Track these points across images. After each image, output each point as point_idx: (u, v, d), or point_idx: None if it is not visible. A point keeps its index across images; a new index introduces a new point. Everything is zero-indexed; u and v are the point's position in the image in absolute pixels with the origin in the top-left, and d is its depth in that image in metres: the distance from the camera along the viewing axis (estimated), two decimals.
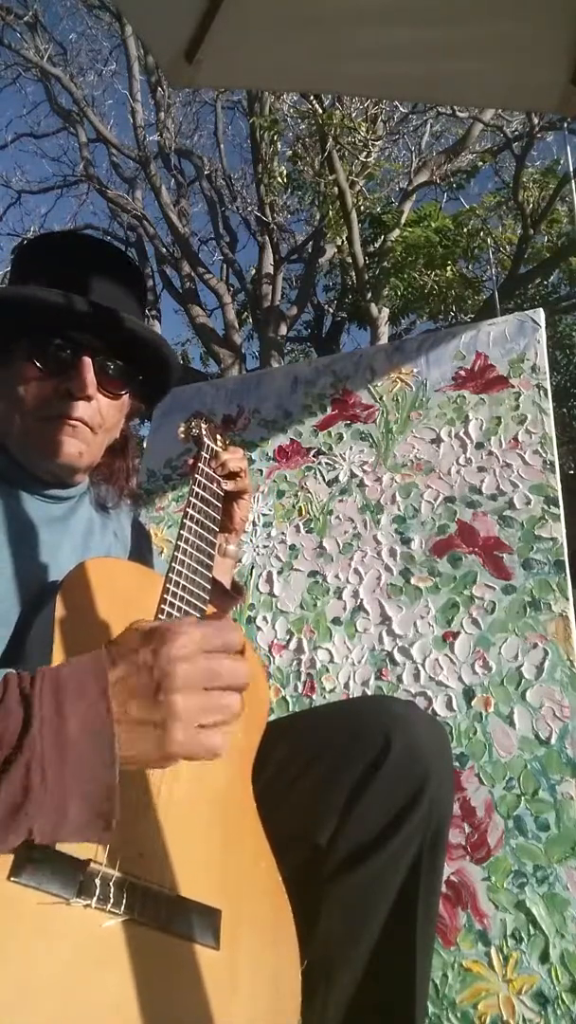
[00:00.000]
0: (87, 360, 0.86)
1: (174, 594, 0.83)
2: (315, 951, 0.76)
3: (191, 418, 1.07)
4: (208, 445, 1.04)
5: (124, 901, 0.58)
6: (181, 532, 0.91)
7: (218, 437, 1.09)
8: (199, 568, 0.90)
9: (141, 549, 1.11)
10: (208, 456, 1.03)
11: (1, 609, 0.80)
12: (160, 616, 0.80)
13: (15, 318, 0.85)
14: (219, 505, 1.01)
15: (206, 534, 0.95)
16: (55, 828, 0.52)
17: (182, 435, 1.05)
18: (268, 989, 0.66)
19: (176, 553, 0.88)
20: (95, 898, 0.57)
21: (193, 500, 0.96)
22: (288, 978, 0.68)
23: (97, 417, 0.90)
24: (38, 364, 0.86)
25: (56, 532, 0.92)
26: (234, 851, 0.73)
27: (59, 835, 0.52)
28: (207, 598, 0.88)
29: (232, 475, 1.03)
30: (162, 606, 0.81)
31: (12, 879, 0.53)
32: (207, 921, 0.64)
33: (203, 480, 1.00)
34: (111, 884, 0.58)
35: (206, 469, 1.01)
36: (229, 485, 1.03)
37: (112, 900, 0.58)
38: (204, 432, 1.06)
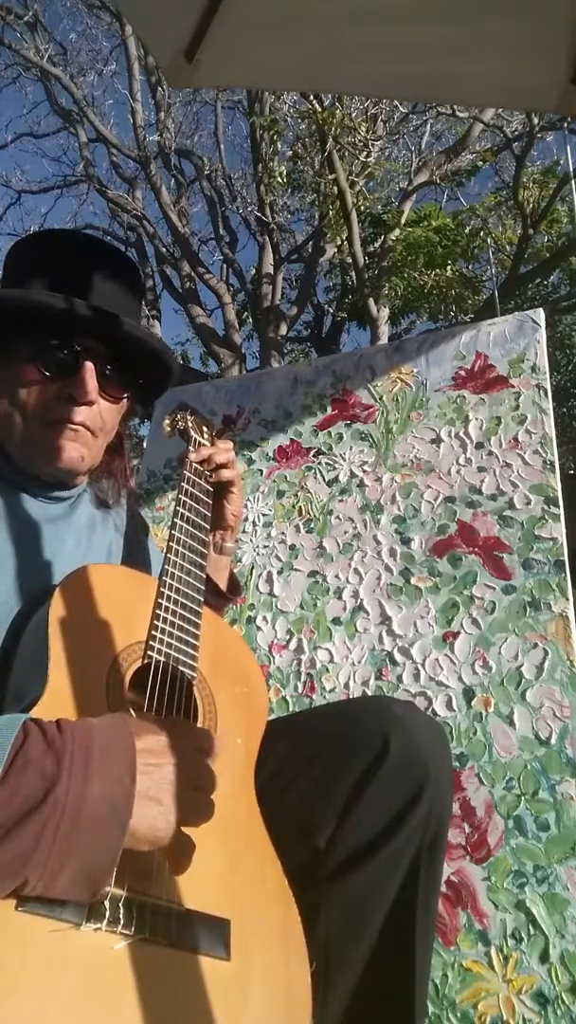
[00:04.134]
0: (89, 365, 0.86)
1: (168, 597, 0.83)
2: (314, 952, 0.76)
3: (176, 411, 1.06)
4: (195, 439, 1.03)
5: (134, 921, 0.58)
6: (172, 532, 0.90)
7: (204, 429, 1.07)
8: (192, 568, 0.89)
9: (139, 538, 1.11)
10: (195, 451, 1.02)
11: (4, 607, 0.80)
12: (155, 621, 0.80)
13: (17, 320, 0.85)
14: (209, 501, 1.00)
15: (198, 532, 0.94)
16: (47, 886, 0.53)
17: (167, 428, 1.04)
18: (281, 996, 0.65)
19: (168, 555, 0.87)
20: (105, 921, 0.56)
21: (183, 497, 0.95)
22: (300, 984, 0.68)
23: (98, 421, 0.90)
24: (40, 368, 0.86)
25: (58, 529, 0.93)
26: (240, 858, 0.72)
27: (48, 892, 0.53)
28: (201, 599, 0.88)
29: (220, 468, 1.02)
30: (156, 611, 0.81)
31: (21, 909, 0.53)
32: (217, 933, 0.63)
33: (192, 476, 0.99)
34: (120, 905, 0.58)
35: (195, 465, 1.00)
36: (217, 477, 1.02)
37: (122, 921, 0.57)
38: (190, 425, 1.04)
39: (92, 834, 0.54)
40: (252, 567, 1.85)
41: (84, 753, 0.56)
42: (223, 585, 1.10)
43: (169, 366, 0.97)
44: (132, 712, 0.73)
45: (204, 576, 0.91)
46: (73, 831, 0.53)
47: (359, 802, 0.80)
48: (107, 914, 0.56)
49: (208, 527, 0.98)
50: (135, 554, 1.07)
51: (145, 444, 2.28)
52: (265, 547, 1.86)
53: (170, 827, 0.59)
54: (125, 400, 0.95)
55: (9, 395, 0.87)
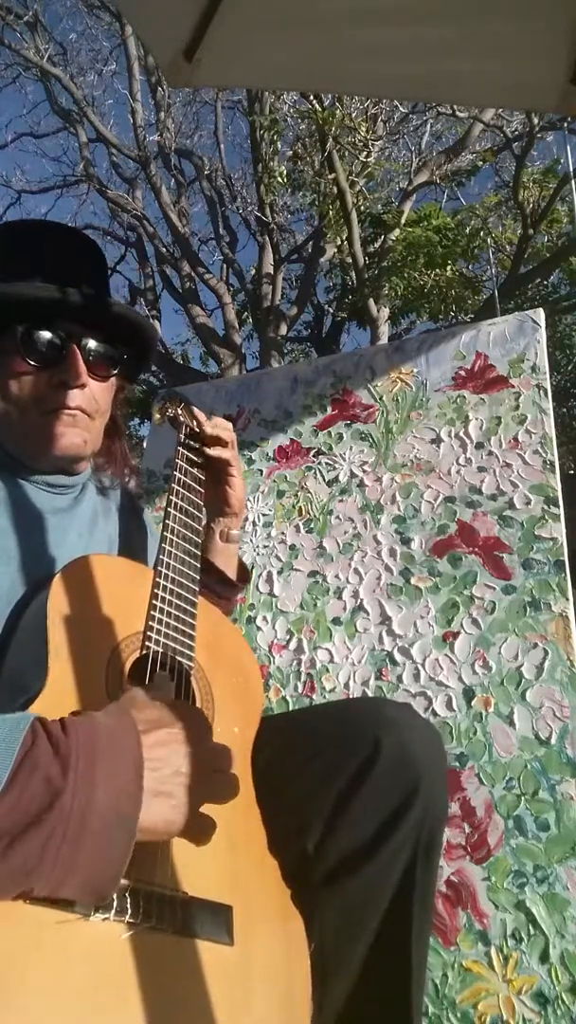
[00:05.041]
0: (75, 349, 0.87)
1: (164, 587, 0.83)
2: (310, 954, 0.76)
3: (165, 399, 1.05)
4: (185, 426, 1.03)
5: (141, 910, 0.58)
6: (166, 522, 0.91)
7: (195, 416, 1.07)
8: (187, 558, 0.89)
9: (138, 516, 1.11)
10: (186, 438, 1.01)
11: (8, 596, 0.80)
12: (152, 612, 0.80)
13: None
14: (201, 490, 1.00)
15: (191, 521, 0.94)
16: (52, 891, 0.53)
17: (157, 416, 1.04)
18: (282, 981, 0.67)
19: (163, 544, 0.88)
20: (113, 911, 0.56)
21: (175, 486, 0.95)
22: (300, 969, 0.69)
23: (93, 403, 0.91)
24: (27, 358, 0.86)
25: (62, 520, 0.93)
26: (241, 846, 0.73)
27: (53, 896, 0.53)
28: (196, 589, 0.88)
29: (210, 445, 1.02)
30: (153, 602, 0.81)
31: (30, 900, 0.53)
32: (220, 919, 0.64)
33: (184, 465, 0.99)
34: (127, 894, 0.58)
35: (186, 453, 1.00)
36: (214, 453, 1.02)
37: (129, 911, 0.58)
38: (180, 412, 1.04)
39: (98, 844, 0.53)
40: (252, 567, 1.85)
41: (89, 758, 0.55)
42: (232, 574, 1.09)
43: (148, 335, 0.97)
44: None
45: (199, 565, 0.92)
46: (79, 841, 0.52)
47: (350, 806, 0.79)
48: (115, 904, 0.57)
49: (201, 516, 0.98)
50: (131, 530, 1.07)
51: (145, 444, 2.28)
52: (265, 547, 1.86)
53: (184, 817, 0.59)
54: (114, 378, 0.95)
55: (1, 389, 0.88)
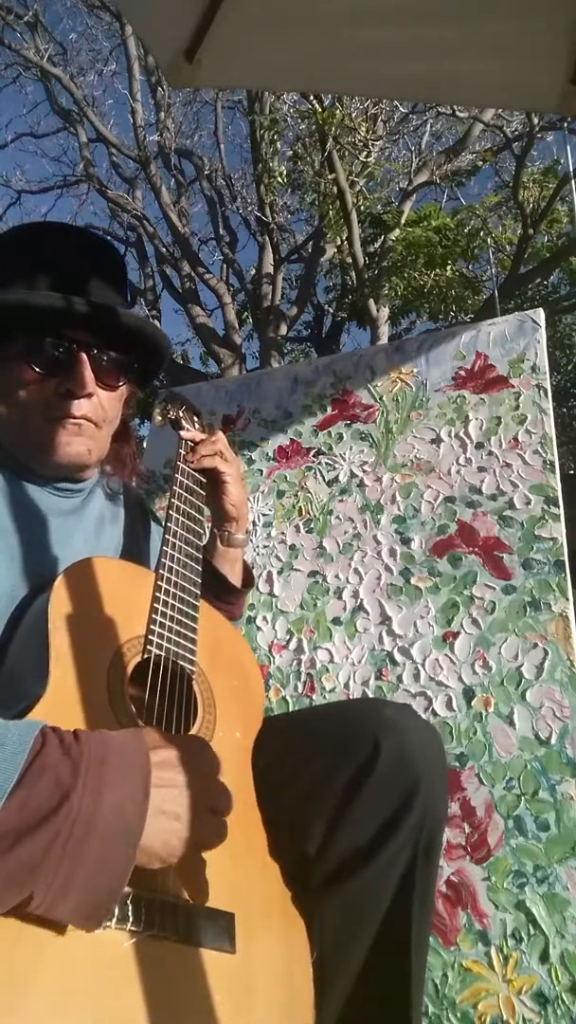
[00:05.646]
0: (83, 358, 0.86)
1: (166, 591, 0.83)
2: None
3: (167, 401, 1.06)
4: (187, 429, 1.04)
5: (143, 918, 0.58)
6: (167, 525, 0.91)
7: (196, 420, 1.07)
8: (188, 561, 0.90)
9: (147, 520, 1.11)
10: (188, 442, 1.02)
11: (10, 597, 0.79)
12: (154, 615, 0.80)
13: (6, 322, 0.85)
14: (203, 493, 1.01)
15: (193, 524, 0.95)
16: (53, 903, 0.52)
17: (158, 418, 1.05)
18: (284, 987, 0.67)
19: (164, 548, 0.88)
20: (115, 919, 0.57)
21: (176, 489, 0.95)
22: (301, 973, 0.69)
23: (100, 411, 0.90)
24: (34, 367, 0.85)
25: (67, 523, 0.92)
26: (241, 852, 0.73)
27: (53, 912, 0.52)
28: (198, 592, 0.89)
29: (205, 458, 1.02)
30: (154, 605, 0.81)
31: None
32: (221, 926, 0.64)
33: (185, 468, 0.99)
34: (129, 902, 0.58)
35: (187, 456, 1.01)
36: (199, 465, 1.02)
37: (131, 919, 0.58)
38: (181, 415, 1.05)
39: (102, 849, 0.53)
40: (252, 567, 1.85)
41: (99, 764, 0.56)
42: (235, 579, 1.09)
43: (159, 345, 0.96)
44: (133, 708, 0.73)
45: (200, 569, 0.92)
46: (84, 843, 0.53)
47: (349, 809, 0.78)
48: (117, 912, 0.57)
49: (202, 519, 0.98)
50: (139, 535, 1.06)
51: (145, 444, 2.28)
52: (265, 547, 1.86)
53: (183, 845, 0.59)
54: (123, 387, 0.94)
55: (7, 395, 0.87)
